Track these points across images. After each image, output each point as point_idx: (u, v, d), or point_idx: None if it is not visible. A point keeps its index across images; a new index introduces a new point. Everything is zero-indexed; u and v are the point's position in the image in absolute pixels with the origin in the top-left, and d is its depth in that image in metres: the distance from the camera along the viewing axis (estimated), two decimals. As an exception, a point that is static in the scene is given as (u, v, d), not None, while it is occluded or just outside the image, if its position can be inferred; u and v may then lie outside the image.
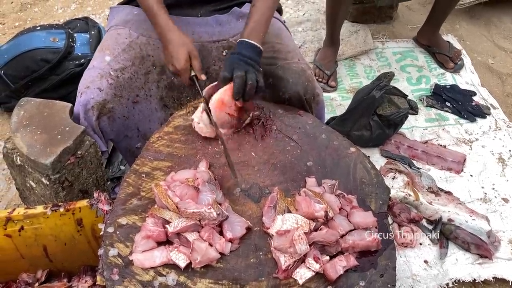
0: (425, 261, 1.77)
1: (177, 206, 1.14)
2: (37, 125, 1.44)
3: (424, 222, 1.90)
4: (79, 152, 1.43)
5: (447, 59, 2.61)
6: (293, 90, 1.51)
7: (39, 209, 1.36)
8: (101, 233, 1.21)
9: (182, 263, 1.09)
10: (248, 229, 1.17)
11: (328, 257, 1.12)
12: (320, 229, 1.13)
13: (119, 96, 1.48)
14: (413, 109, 2.29)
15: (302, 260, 1.11)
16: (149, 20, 1.46)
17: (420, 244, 1.83)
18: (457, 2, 2.47)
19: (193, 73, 1.41)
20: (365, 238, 1.14)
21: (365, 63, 2.65)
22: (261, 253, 1.13)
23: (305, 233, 1.10)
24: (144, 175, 1.29)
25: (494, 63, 2.71)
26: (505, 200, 2.00)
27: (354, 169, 1.35)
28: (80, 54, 2.16)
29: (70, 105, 1.51)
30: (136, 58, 1.54)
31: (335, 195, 1.23)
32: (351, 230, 1.17)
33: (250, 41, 1.38)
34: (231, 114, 1.36)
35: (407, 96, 2.17)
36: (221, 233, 1.15)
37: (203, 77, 1.42)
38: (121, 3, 1.69)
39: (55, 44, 2.14)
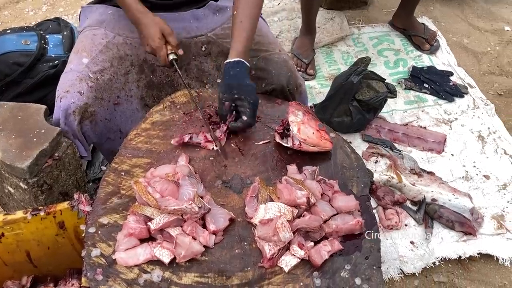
0: (411, 242, 1.79)
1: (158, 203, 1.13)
2: (12, 129, 1.42)
3: (408, 203, 1.92)
4: (56, 154, 1.41)
5: (423, 41, 2.63)
6: (276, 81, 1.51)
7: (19, 214, 1.34)
8: (83, 235, 1.20)
9: (166, 259, 1.08)
10: (231, 220, 1.16)
11: (312, 243, 1.12)
12: (303, 216, 1.13)
13: (100, 99, 1.45)
14: (392, 93, 2.30)
15: (286, 247, 1.10)
16: (122, 8, 1.45)
17: (406, 225, 1.85)
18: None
19: (171, 57, 1.40)
20: (348, 222, 1.15)
21: (342, 50, 2.65)
22: (245, 243, 1.13)
23: (288, 220, 1.09)
24: (123, 173, 1.27)
25: (469, 42, 2.74)
26: (486, 177, 2.03)
27: (334, 154, 1.35)
28: (53, 55, 2.11)
29: (44, 107, 1.49)
30: (114, 59, 1.51)
31: (317, 181, 1.23)
32: (334, 215, 1.17)
33: (235, 59, 1.34)
34: None
35: (385, 80, 2.17)
36: (204, 226, 1.14)
37: (181, 51, 1.42)
38: (93, 2, 1.65)
39: (27, 47, 2.09)
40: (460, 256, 1.74)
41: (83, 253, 1.13)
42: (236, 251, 1.12)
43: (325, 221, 1.15)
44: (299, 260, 1.09)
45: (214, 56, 1.61)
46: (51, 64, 2.09)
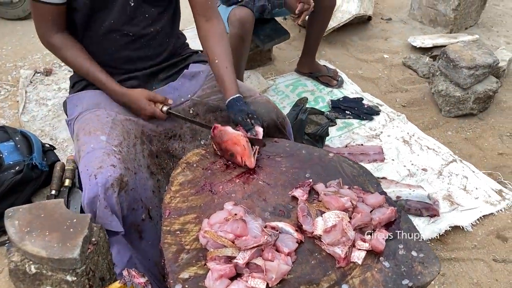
0: (396, 236, 2.07)
1: (233, 242, 1.24)
2: (41, 228, 1.39)
3: (378, 207, 2.22)
4: (93, 239, 1.42)
5: (330, 78, 3.08)
6: (268, 118, 1.72)
7: (74, 309, 1.31)
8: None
9: (262, 286, 1.18)
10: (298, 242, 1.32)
11: (369, 236, 1.32)
12: (354, 216, 1.34)
13: (127, 169, 1.50)
14: (332, 121, 2.67)
15: (352, 245, 1.29)
16: (102, 90, 1.66)
17: (385, 224, 2.13)
18: (323, 34, 2.99)
19: (165, 108, 1.66)
20: (386, 212, 1.38)
21: (268, 100, 2.98)
22: (316, 254, 1.29)
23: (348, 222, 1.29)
24: (178, 232, 1.35)
25: (363, 72, 3.28)
26: (425, 170, 2.45)
27: (341, 168, 1.59)
28: (12, 162, 2.05)
29: (62, 200, 1.49)
30: (124, 133, 1.59)
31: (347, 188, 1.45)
32: (371, 211, 1.40)
33: (237, 96, 1.65)
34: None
35: (324, 112, 2.52)
36: (277, 250, 1.28)
37: (170, 101, 1.69)
38: (75, 91, 1.71)
39: (-20, 161, 2.01)
40: (439, 234, 2.07)
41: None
42: (312, 262, 1.27)
43: (368, 217, 1.37)
44: (365, 252, 1.29)
45: (202, 115, 1.77)
46: (13, 171, 2.03)
